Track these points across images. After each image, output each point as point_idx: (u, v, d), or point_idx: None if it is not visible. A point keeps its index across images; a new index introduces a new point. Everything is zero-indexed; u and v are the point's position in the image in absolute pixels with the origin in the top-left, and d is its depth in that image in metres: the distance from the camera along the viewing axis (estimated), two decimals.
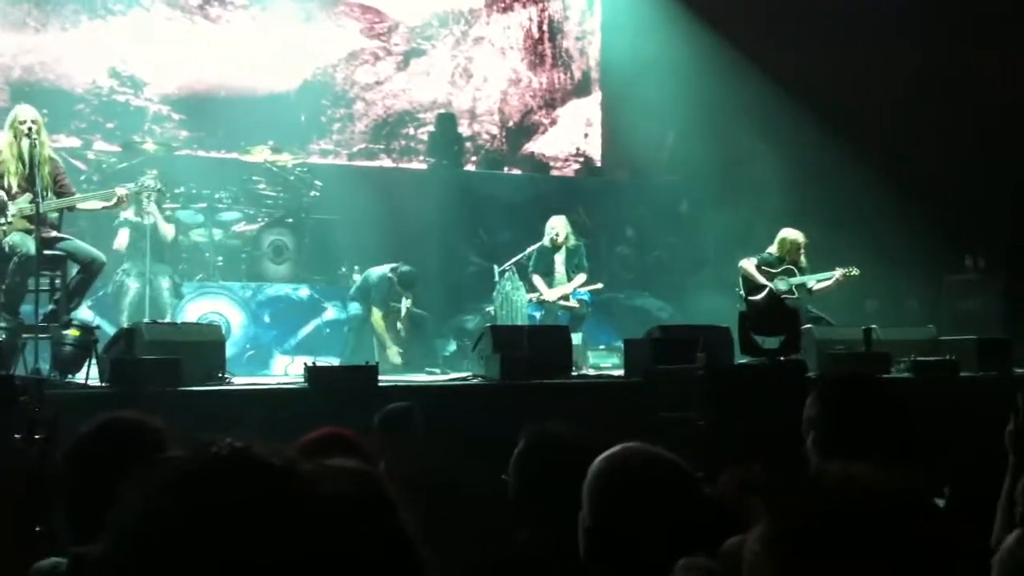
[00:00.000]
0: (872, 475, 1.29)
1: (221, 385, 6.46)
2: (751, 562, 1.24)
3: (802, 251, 9.20)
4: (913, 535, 1.24)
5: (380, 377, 6.72)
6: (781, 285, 9.08)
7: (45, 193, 6.78)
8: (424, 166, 11.79)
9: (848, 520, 1.23)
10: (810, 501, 1.27)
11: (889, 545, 1.22)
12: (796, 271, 9.18)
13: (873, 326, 8.26)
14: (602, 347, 10.06)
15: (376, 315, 9.16)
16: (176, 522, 1.07)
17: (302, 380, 6.64)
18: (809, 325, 8.49)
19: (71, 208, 7.04)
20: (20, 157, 6.76)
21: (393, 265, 9.24)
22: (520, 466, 2.90)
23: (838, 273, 9.17)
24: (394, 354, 9.05)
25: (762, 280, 9.08)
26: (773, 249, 9.22)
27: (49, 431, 4.68)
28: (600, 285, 9.79)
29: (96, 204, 7.25)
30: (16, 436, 4.86)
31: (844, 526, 1.22)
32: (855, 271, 9.16)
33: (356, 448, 2.75)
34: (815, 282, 9.20)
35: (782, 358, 7.40)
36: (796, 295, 9.07)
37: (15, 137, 6.80)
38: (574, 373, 7.75)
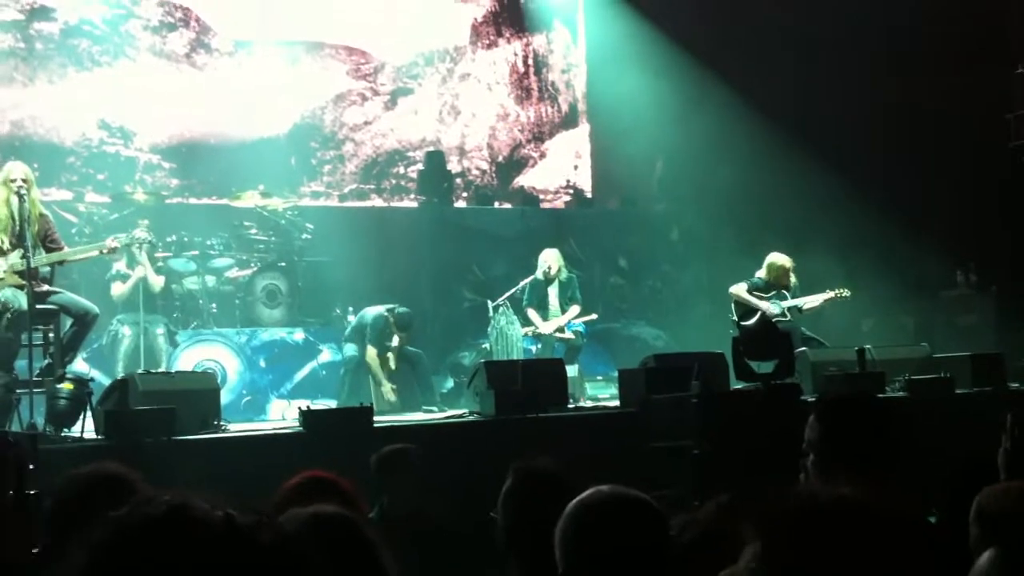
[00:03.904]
0: (862, 493, 1.32)
1: (216, 433, 6.46)
2: None
3: (790, 274, 9.24)
4: (901, 551, 1.26)
5: (376, 418, 6.73)
6: (773, 308, 9.10)
7: (36, 249, 6.82)
8: (415, 204, 11.85)
9: (840, 535, 1.25)
10: (802, 518, 1.30)
11: (878, 561, 1.24)
12: (787, 295, 9.22)
13: (867, 346, 8.29)
14: (599, 377, 10.06)
15: (371, 353, 9.15)
16: None
17: (298, 424, 6.64)
18: (803, 348, 8.51)
19: (61, 263, 7.08)
20: (11, 214, 6.81)
21: (390, 306, 9.25)
22: (508, 503, 2.91)
23: (828, 294, 9.20)
24: (388, 391, 9.03)
25: (756, 303, 9.10)
26: (762, 273, 9.26)
27: (42, 487, 4.67)
28: (595, 316, 9.82)
29: (88, 255, 7.29)
30: (10, 493, 4.86)
31: (836, 541, 1.24)
32: (846, 293, 9.20)
33: (338, 491, 2.76)
34: (806, 303, 9.23)
35: (776, 382, 7.42)
36: (788, 317, 9.09)
37: (7, 194, 6.84)
38: (571, 405, 7.76)
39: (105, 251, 7.30)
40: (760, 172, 11.17)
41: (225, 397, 7.93)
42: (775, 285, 9.21)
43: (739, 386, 7.60)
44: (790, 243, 9.68)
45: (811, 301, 9.23)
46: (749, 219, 11.03)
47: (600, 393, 9.41)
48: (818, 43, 11.16)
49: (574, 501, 2.15)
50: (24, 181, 6.85)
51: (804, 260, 9.47)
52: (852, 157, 11.18)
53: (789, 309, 9.13)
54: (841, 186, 10.90)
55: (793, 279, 9.29)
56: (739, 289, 9.22)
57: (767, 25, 11.22)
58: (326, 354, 9.73)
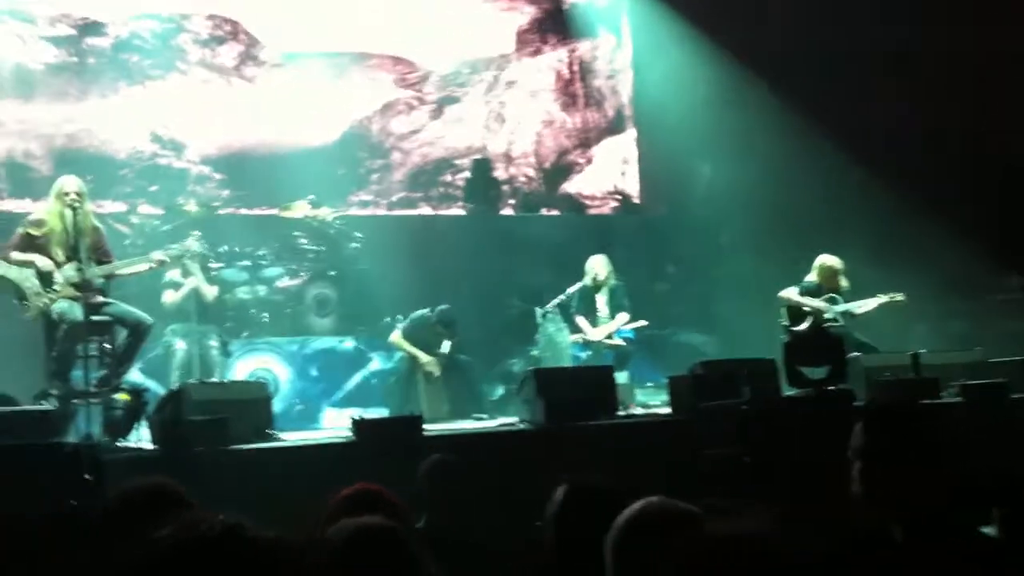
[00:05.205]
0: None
1: (269, 442, 6.52)
2: None
3: (841, 276, 9.12)
4: None
5: (426, 426, 6.74)
6: (826, 313, 9.00)
7: (89, 261, 6.94)
8: (463, 212, 11.89)
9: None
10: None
11: None
12: (839, 297, 9.11)
13: (921, 351, 8.17)
14: (649, 384, 10.00)
15: (395, 335, 9.18)
16: None
17: (349, 433, 6.68)
18: (855, 353, 8.40)
19: (112, 276, 7.18)
20: (65, 227, 6.93)
21: (430, 308, 9.29)
22: (557, 515, 2.90)
23: (882, 299, 9.08)
24: (431, 363, 9.03)
25: (810, 302, 9.01)
26: (812, 277, 9.15)
27: (100, 497, 4.75)
28: (644, 322, 9.77)
29: (138, 268, 7.40)
30: (73, 503, 4.95)
31: None
32: (899, 297, 9.07)
33: (386, 504, 2.78)
34: (859, 308, 9.11)
35: (829, 388, 7.34)
36: (840, 322, 8.99)
37: (60, 208, 6.97)
38: (620, 413, 7.72)
39: (154, 265, 7.40)
40: (809, 176, 11.07)
41: (278, 406, 8.01)
42: (826, 288, 9.11)
43: (791, 392, 7.52)
44: (838, 247, 9.56)
45: (864, 305, 9.11)
46: (799, 223, 10.91)
47: (650, 400, 9.36)
48: (866, 50, 11.04)
49: (624, 513, 2.15)
50: (77, 195, 6.97)
51: (852, 263, 9.36)
52: (907, 158, 11.03)
53: (842, 314, 9.02)
54: (886, 188, 10.77)
55: (844, 282, 9.18)
56: (790, 293, 9.13)
57: (813, 31, 11.12)
58: (376, 362, 9.80)
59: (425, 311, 9.26)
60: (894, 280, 9.38)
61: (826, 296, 9.09)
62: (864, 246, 10.01)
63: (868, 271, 9.60)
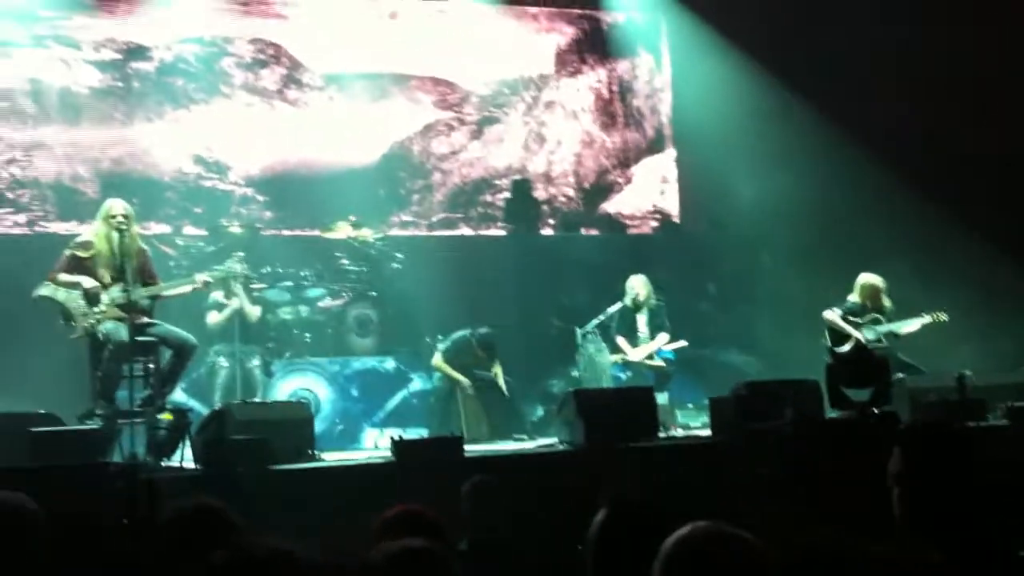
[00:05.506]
0: None
1: (310, 462, 6.56)
2: None
3: (883, 295, 9.02)
4: None
5: (466, 447, 6.75)
6: (869, 334, 8.91)
7: (135, 283, 7.03)
8: (503, 232, 11.93)
9: None
10: None
11: None
12: (882, 317, 9.01)
13: (966, 372, 8.06)
14: (690, 405, 9.94)
15: (437, 358, 9.23)
16: None
17: (390, 454, 6.70)
18: (900, 374, 8.30)
19: (157, 297, 7.26)
20: (111, 249, 7.03)
21: (471, 329, 9.32)
22: (600, 537, 2.88)
23: (926, 319, 8.97)
24: (472, 387, 9.08)
25: (849, 330, 8.92)
26: (854, 296, 9.05)
27: (143, 515, 4.80)
28: (685, 343, 9.72)
29: (182, 290, 7.48)
30: (124, 521, 5.01)
31: None
32: (943, 316, 8.95)
33: (428, 524, 2.79)
34: (903, 328, 9.01)
35: (873, 410, 7.27)
36: (884, 343, 8.89)
37: (107, 230, 7.07)
38: (661, 434, 7.69)
39: (199, 286, 7.48)
40: (851, 194, 10.97)
41: (319, 426, 8.06)
42: (869, 308, 9.01)
43: (834, 414, 7.44)
44: (881, 263, 9.47)
45: (908, 326, 9.00)
46: (841, 240, 10.82)
47: (691, 422, 9.32)
48: (914, 61, 10.95)
49: (673, 537, 2.13)
50: (124, 217, 7.07)
51: (895, 280, 9.26)
52: (949, 176, 10.92)
53: (885, 335, 8.92)
54: (930, 206, 10.66)
55: (887, 301, 9.07)
56: (832, 315, 9.03)
57: (853, 46, 11.05)
58: (416, 382, 9.84)
59: (465, 332, 9.29)
60: (938, 298, 9.27)
61: (869, 316, 8.99)
62: (908, 262, 9.89)
63: (912, 289, 9.49)
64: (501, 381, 9.21)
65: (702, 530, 2.09)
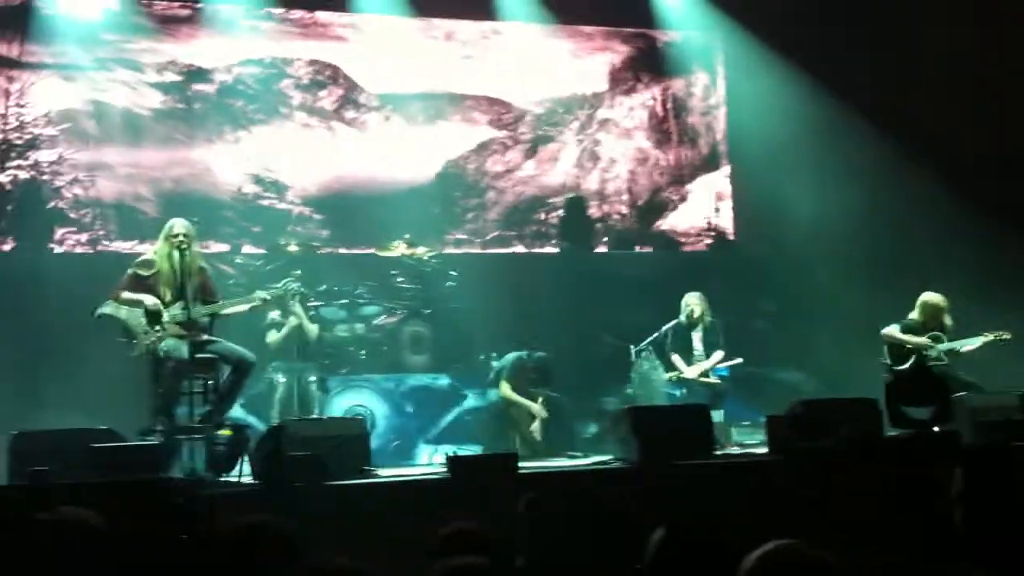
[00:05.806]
0: None
1: (366, 478, 6.60)
2: None
3: (945, 313, 8.90)
4: None
5: (520, 464, 6.76)
6: (930, 352, 8.79)
7: (195, 301, 7.15)
8: (556, 250, 11.95)
9: None
10: None
11: None
12: (943, 336, 8.89)
13: None
14: (746, 423, 9.87)
15: (505, 388, 9.27)
16: None
17: (444, 470, 6.73)
18: (961, 393, 8.17)
19: (217, 315, 7.38)
20: (172, 268, 7.16)
21: (528, 351, 9.35)
22: (658, 558, 2.87)
23: (988, 337, 8.83)
24: (532, 418, 9.12)
25: (912, 340, 8.80)
26: (915, 315, 8.95)
27: (203, 531, 4.86)
28: (740, 360, 9.66)
29: (241, 308, 7.59)
30: (183, 536, 5.07)
31: None
32: (1006, 335, 8.81)
33: (483, 543, 2.80)
34: (964, 346, 8.88)
35: (934, 429, 7.16)
36: (944, 361, 8.76)
37: (169, 249, 7.20)
38: (716, 452, 7.64)
39: (257, 304, 7.59)
40: (909, 210, 10.85)
41: (374, 442, 8.11)
42: (929, 326, 8.90)
43: (894, 433, 7.34)
44: (941, 281, 9.35)
45: (969, 344, 8.88)
46: (900, 257, 10.70)
47: (746, 440, 9.25)
48: (967, 71, 10.82)
49: (750, 558, 2.12)
50: (185, 236, 7.21)
51: (957, 297, 9.13)
52: (1010, 190, 10.76)
53: (946, 352, 8.80)
54: (997, 223, 10.50)
55: (948, 320, 8.96)
56: (892, 331, 8.94)
57: (907, 60, 10.96)
58: (470, 399, 9.88)
59: (521, 354, 9.31)
60: (1000, 316, 9.12)
61: (930, 334, 8.87)
62: (969, 280, 9.75)
63: (974, 306, 9.35)
64: (542, 408, 9.23)
65: (784, 548, 2.08)
